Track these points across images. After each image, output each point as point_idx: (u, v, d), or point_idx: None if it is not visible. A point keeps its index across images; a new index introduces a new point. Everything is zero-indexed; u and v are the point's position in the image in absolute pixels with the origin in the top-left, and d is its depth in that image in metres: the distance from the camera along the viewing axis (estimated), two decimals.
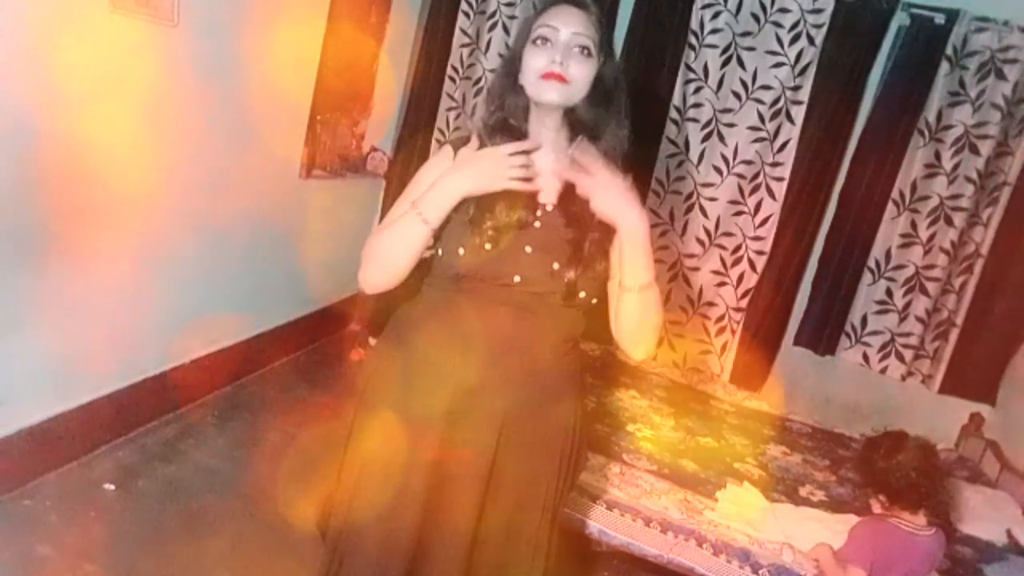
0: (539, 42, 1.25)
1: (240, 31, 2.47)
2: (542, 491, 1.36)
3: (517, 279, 1.26)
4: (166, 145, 2.33)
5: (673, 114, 3.30)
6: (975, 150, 3.00)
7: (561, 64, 1.22)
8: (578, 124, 1.29)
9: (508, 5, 3.41)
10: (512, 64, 1.30)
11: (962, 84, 2.97)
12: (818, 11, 3.06)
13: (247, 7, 2.49)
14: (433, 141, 3.64)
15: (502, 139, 1.27)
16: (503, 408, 1.30)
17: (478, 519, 1.31)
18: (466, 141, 1.34)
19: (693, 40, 3.23)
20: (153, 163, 2.30)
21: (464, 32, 3.50)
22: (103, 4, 1.94)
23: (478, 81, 3.52)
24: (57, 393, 2.19)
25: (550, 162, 1.30)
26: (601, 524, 2.12)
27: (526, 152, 1.25)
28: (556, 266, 1.26)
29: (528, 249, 1.27)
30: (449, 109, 3.60)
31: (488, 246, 1.24)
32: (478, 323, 1.29)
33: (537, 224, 1.29)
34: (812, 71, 3.10)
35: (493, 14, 3.44)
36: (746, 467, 2.54)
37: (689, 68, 3.26)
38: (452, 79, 3.57)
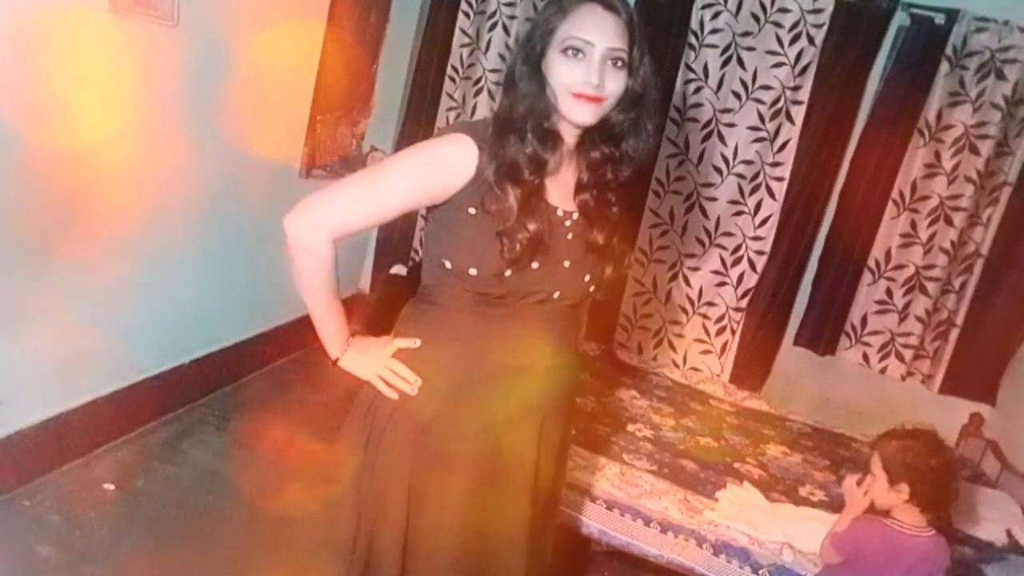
0: (570, 53, 1.15)
1: (240, 31, 2.47)
2: (560, 487, 1.43)
3: (557, 295, 1.25)
4: (166, 145, 2.33)
5: (673, 114, 3.30)
6: (975, 150, 3.00)
7: (597, 86, 1.14)
8: (604, 129, 1.22)
9: (508, 5, 3.41)
10: (535, 60, 1.19)
11: (962, 84, 2.97)
12: (818, 11, 3.05)
13: (247, 7, 2.49)
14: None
15: (544, 140, 1.19)
16: (542, 412, 1.32)
17: (530, 523, 1.33)
18: (488, 130, 1.21)
19: (693, 40, 3.23)
20: (153, 163, 2.30)
21: (464, 32, 3.50)
22: (102, 4, 1.94)
23: (478, 81, 3.52)
24: (57, 393, 2.19)
25: (568, 168, 1.26)
26: (601, 524, 2.12)
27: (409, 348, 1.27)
28: (587, 278, 1.28)
29: (567, 264, 1.25)
30: (449, 109, 3.60)
31: (507, 272, 1.19)
32: (521, 344, 1.26)
33: (570, 236, 1.26)
34: (812, 71, 3.10)
35: (493, 14, 3.44)
36: (746, 467, 2.54)
37: (689, 68, 3.26)
38: (452, 79, 3.57)
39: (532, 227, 1.17)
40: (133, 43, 2.09)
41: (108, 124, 2.08)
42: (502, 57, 3.45)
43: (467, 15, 3.48)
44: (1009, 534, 2.33)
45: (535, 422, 1.31)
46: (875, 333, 3.25)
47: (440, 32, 3.54)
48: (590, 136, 1.22)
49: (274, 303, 3.16)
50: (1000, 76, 2.92)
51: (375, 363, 1.27)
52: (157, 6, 2.11)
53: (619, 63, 1.16)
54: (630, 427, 2.65)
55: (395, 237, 3.74)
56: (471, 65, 3.53)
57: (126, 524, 2.09)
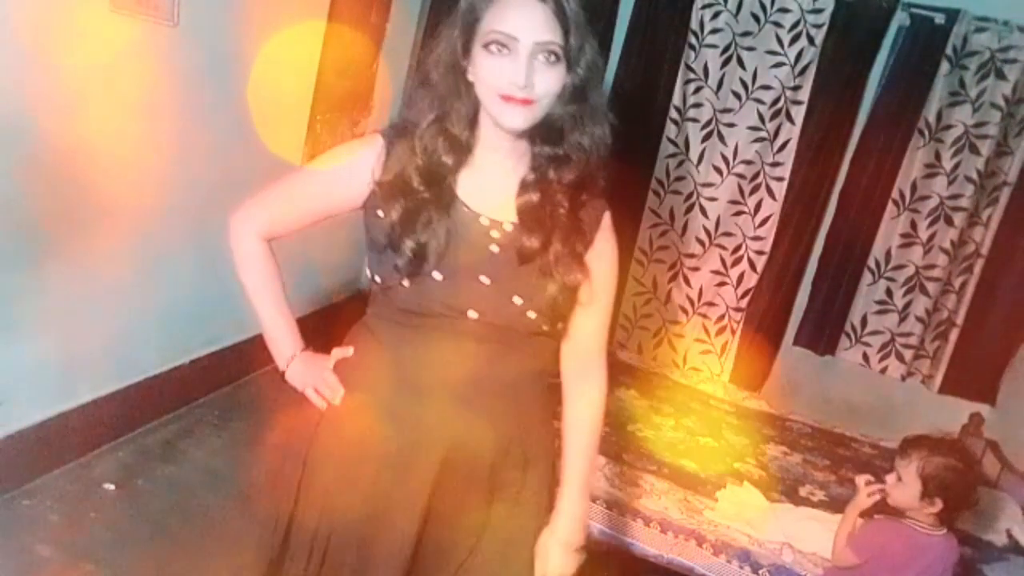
0: (494, 48, 1.01)
1: (240, 31, 2.47)
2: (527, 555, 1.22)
3: (473, 314, 1.08)
4: (166, 145, 2.33)
5: (673, 114, 3.30)
6: (975, 150, 3.00)
7: (525, 86, 1.00)
8: (545, 126, 1.07)
9: None
10: (454, 58, 1.06)
11: (962, 84, 2.97)
12: (818, 11, 3.06)
13: (247, 7, 2.49)
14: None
15: (443, 150, 1.08)
16: (441, 448, 1.13)
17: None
18: (401, 133, 1.12)
19: (693, 40, 3.23)
20: (153, 163, 2.30)
21: None
22: (103, 4, 1.94)
23: None
24: (57, 393, 2.19)
25: (508, 171, 1.11)
26: (601, 524, 2.12)
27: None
28: (518, 300, 1.08)
29: (484, 279, 1.08)
30: None
31: (405, 282, 1.07)
32: (424, 364, 1.12)
33: (494, 248, 1.10)
34: (812, 71, 3.10)
35: None
36: (746, 467, 2.54)
37: (689, 68, 3.26)
38: None
39: (420, 240, 1.06)
40: (133, 43, 2.08)
41: (109, 124, 2.08)
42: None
43: None
44: (1009, 534, 2.33)
45: (430, 456, 1.12)
46: (875, 333, 3.25)
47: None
48: (529, 134, 1.08)
49: None
50: (1000, 76, 2.92)
51: (312, 375, 1.26)
52: (157, 6, 2.11)
53: (552, 57, 1.01)
54: (630, 427, 2.65)
55: None
56: None
57: (126, 524, 2.09)
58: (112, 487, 2.21)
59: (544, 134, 1.08)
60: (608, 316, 1.22)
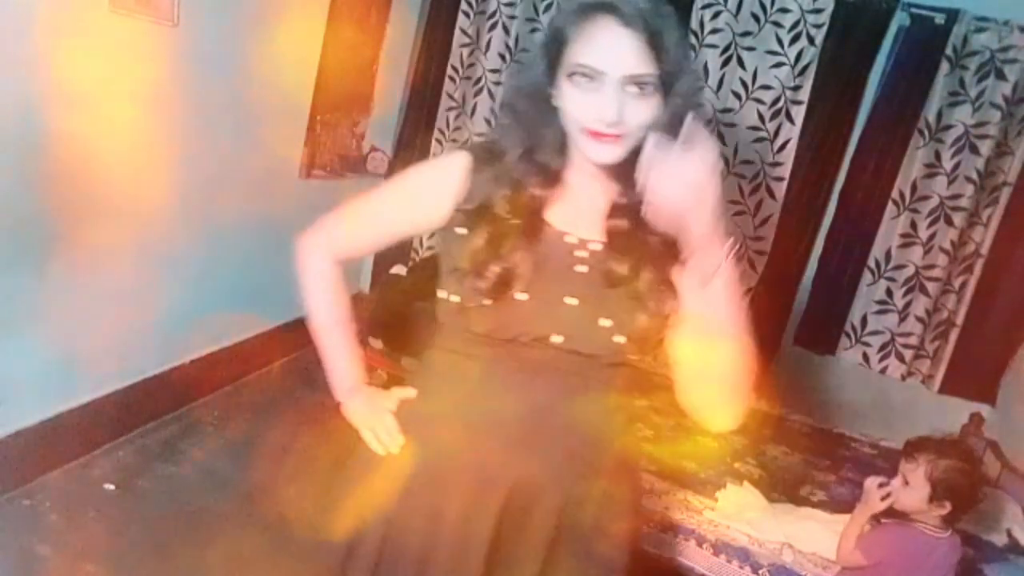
0: (579, 80, 0.95)
1: (240, 31, 2.47)
2: None
3: (557, 339, 1.01)
4: (166, 145, 2.33)
5: None
6: (975, 150, 3.00)
7: (613, 123, 0.93)
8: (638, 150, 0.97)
9: (508, 5, 3.41)
10: (540, 85, 1.01)
11: (962, 84, 2.97)
12: (818, 11, 3.05)
13: (247, 7, 2.49)
14: (433, 141, 3.64)
15: (535, 184, 1.04)
16: (507, 482, 1.05)
17: None
18: (488, 158, 1.07)
19: (693, 40, 3.22)
20: (153, 163, 2.30)
21: (464, 32, 3.50)
22: (103, 4, 1.94)
23: (478, 81, 3.52)
24: (57, 393, 2.19)
25: (598, 191, 1.05)
26: None
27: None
28: (605, 323, 1.01)
29: (570, 300, 1.02)
30: (449, 109, 3.60)
31: (487, 302, 1.00)
32: (508, 399, 1.04)
33: (581, 268, 1.03)
34: (812, 71, 3.10)
35: (493, 14, 3.44)
36: (746, 467, 2.53)
37: None
38: (452, 79, 3.57)
39: (506, 265, 1.00)
40: (133, 43, 2.08)
41: (108, 124, 2.08)
42: (502, 57, 3.45)
43: (467, 15, 3.48)
44: (1009, 534, 2.33)
45: (489, 504, 1.05)
46: (875, 333, 3.25)
47: (440, 32, 3.54)
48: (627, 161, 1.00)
49: (274, 303, 3.16)
50: (1000, 76, 2.92)
51: (372, 416, 1.16)
52: (157, 6, 2.11)
53: (645, 88, 0.93)
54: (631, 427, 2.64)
55: None
56: (471, 65, 3.53)
57: (126, 524, 2.09)
58: (112, 487, 2.21)
59: (637, 159, 0.99)
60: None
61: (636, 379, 1.09)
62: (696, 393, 1.03)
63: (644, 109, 0.94)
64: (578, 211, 1.06)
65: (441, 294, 1.07)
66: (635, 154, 0.95)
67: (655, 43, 0.92)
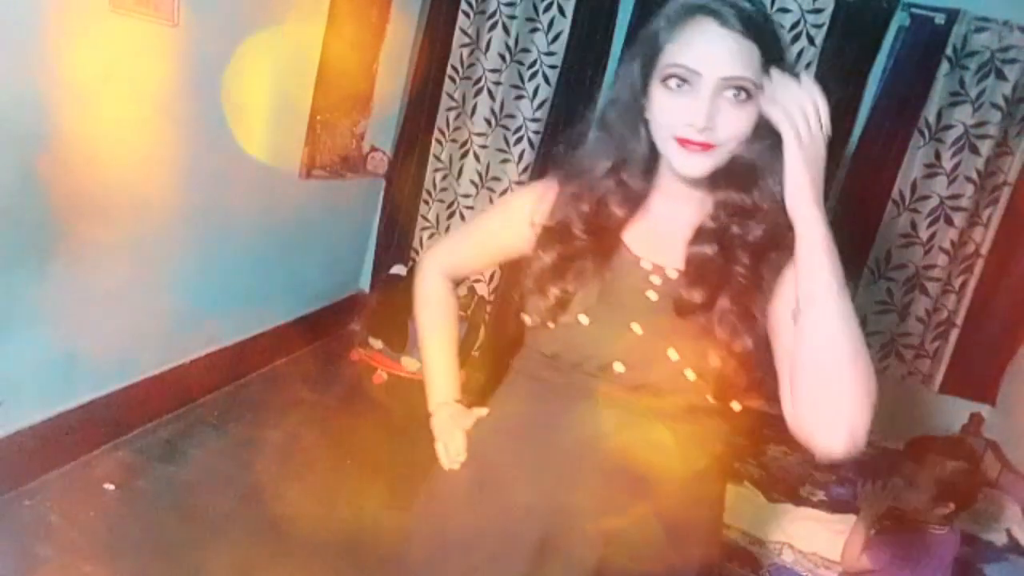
0: (672, 83, 0.89)
1: (240, 31, 2.47)
2: None
3: (619, 367, 0.94)
4: (166, 145, 2.33)
5: None
6: (975, 150, 3.00)
7: (705, 128, 0.87)
8: (731, 168, 0.92)
9: (508, 5, 3.41)
10: (633, 94, 0.96)
11: (962, 84, 2.97)
12: (818, 11, 3.05)
13: (247, 7, 2.49)
14: (433, 141, 3.64)
15: (616, 203, 1.00)
16: (541, 527, 0.99)
17: None
18: (572, 176, 1.04)
19: None
20: (153, 163, 2.30)
21: (464, 32, 3.50)
22: (103, 4, 1.94)
23: (478, 81, 3.52)
24: (57, 393, 2.19)
25: (683, 216, 0.98)
26: None
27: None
28: (673, 355, 0.93)
29: (636, 328, 0.95)
30: (449, 109, 3.60)
31: (550, 324, 0.97)
32: (565, 426, 0.99)
33: (652, 295, 0.97)
34: (812, 71, 3.10)
35: (493, 14, 3.44)
36: (746, 467, 2.54)
37: None
38: (452, 79, 3.57)
39: (568, 288, 0.97)
40: (133, 43, 2.08)
41: (108, 124, 2.08)
42: (502, 57, 3.45)
43: (467, 15, 3.48)
44: (1009, 533, 2.33)
45: (533, 517, 1.00)
46: (875, 333, 3.25)
47: (440, 32, 3.54)
48: (712, 176, 0.93)
49: (274, 303, 3.17)
50: (1000, 76, 2.92)
51: (447, 432, 1.15)
52: (157, 6, 2.11)
53: (742, 95, 0.87)
54: None
55: (395, 237, 3.74)
56: (471, 65, 3.53)
57: (126, 524, 2.09)
58: (112, 487, 2.21)
59: (730, 178, 0.94)
60: None
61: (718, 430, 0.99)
62: (808, 412, 0.87)
63: (739, 118, 0.88)
64: (658, 236, 1.00)
65: (523, 313, 1.04)
66: (726, 173, 0.93)
67: (759, 44, 0.87)
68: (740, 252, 0.94)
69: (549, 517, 0.99)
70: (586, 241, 0.99)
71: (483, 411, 1.16)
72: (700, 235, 0.97)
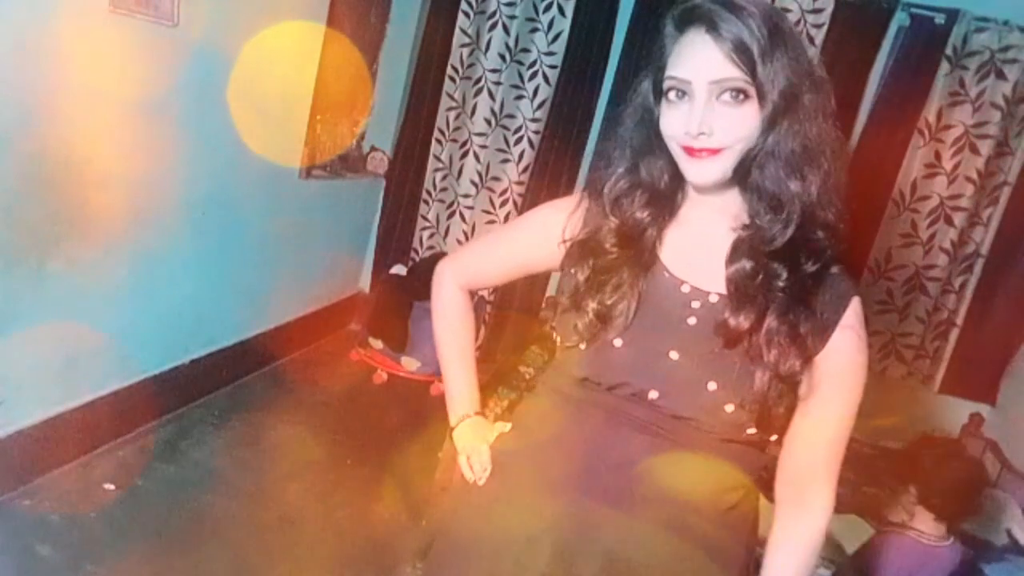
0: (672, 96, 0.90)
1: (240, 31, 2.47)
2: None
3: (654, 395, 0.92)
4: (166, 145, 2.33)
5: None
6: (975, 150, 3.00)
7: (701, 134, 0.87)
8: (752, 175, 0.91)
9: (508, 5, 3.41)
10: (646, 106, 0.96)
11: (962, 84, 2.97)
12: (818, 11, 3.05)
13: (247, 7, 2.49)
14: (433, 141, 3.64)
15: (638, 205, 0.98)
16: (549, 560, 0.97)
17: None
18: (596, 190, 1.02)
19: None
20: (153, 163, 2.30)
21: (464, 32, 3.50)
22: (103, 4, 1.94)
23: (478, 81, 3.52)
24: (57, 393, 2.19)
25: (719, 232, 0.96)
26: None
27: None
28: (712, 386, 0.91)
29: (673, 355, 0.93)
30: (449, 109, 3.60)
31: (582, 346, 0.95)
32: (590, 450, 0.96)
33: (692, 320, 0.94)
34: None
35: (493, 14, 3.44)
36: None
37: None
38: (452, 79, 3.57)
39: (606, 302, 0.94)
40: (133, 43, 2.08)
41: (108, 124, 2.08)
42: (502, 57, 3.45)
43: (467, 15, 3.48)
44: (1009, 534, 2.33)
45: (549, 555, 0.97)
46: (875, 333, 3.25)
47: (440, 32, 3.54)
48: (740, 184, 0.93)
49: (274, 303, 3.17)
50: (1000, 76, 2.92)
51: (470, 445, 1.14)
52: (157, 6, 2.11)
53: (738, 96, 0.87)
54: None
55: (395, 237, 3.74)
56: (471, 65, 3.53)
57: (126, 524, 2.09)
58: (112, 487, 2.21)
59: (747, 181, 0.92)
60: (844, 425, 1.03)
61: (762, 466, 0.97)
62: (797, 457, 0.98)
63: (738, 119, 0.87)
64: (695, 253, 0.98)
65: (549, 329, 1.04)
66: (745, 178, 0.91)
67: (741, 48, 0.86)
68: (773, 263, 0.92)
69: (571, 540, 0.97)
70: (619, 254, 0.97)
71: (506, 426, 1.15)
72: (737, 249, 0.94)
